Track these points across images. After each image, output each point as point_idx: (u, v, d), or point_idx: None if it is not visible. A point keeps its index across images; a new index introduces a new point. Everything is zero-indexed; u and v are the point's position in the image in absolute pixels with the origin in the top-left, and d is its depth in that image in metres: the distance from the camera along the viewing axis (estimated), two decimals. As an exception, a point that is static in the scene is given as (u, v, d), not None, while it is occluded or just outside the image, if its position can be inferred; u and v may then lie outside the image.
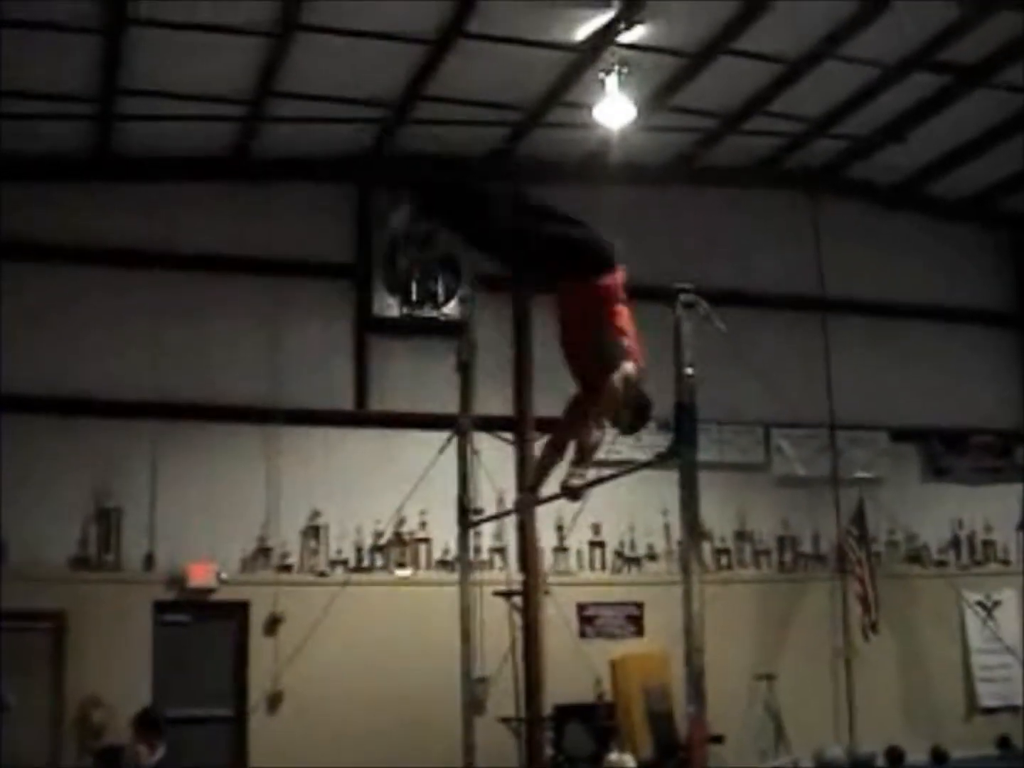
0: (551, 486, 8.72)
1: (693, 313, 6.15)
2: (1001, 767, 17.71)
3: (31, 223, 15.64)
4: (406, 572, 16.87)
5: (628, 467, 8.01)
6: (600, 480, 7.95)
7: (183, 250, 16.40)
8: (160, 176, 16.44)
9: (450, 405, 11.49)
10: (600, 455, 15.99)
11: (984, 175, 19.29)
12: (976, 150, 18.35)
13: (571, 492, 8.06)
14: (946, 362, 20.07)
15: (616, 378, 7.58)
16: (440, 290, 17.20)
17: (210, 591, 15.97)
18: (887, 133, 17.78)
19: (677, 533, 15.93)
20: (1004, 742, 19.00)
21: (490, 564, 16.97)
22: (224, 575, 15.97)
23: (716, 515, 17.81)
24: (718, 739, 15.07)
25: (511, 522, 16.92)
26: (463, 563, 10.42)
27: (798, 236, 18.97)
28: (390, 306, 17.05)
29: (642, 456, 9.38)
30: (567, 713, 16.67)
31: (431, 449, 11.31)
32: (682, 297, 6.13)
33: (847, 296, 19.36)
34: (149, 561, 15.87)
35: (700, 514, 6.30)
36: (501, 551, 17.17)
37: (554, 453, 8.59)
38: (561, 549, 17.43)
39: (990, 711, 19.58)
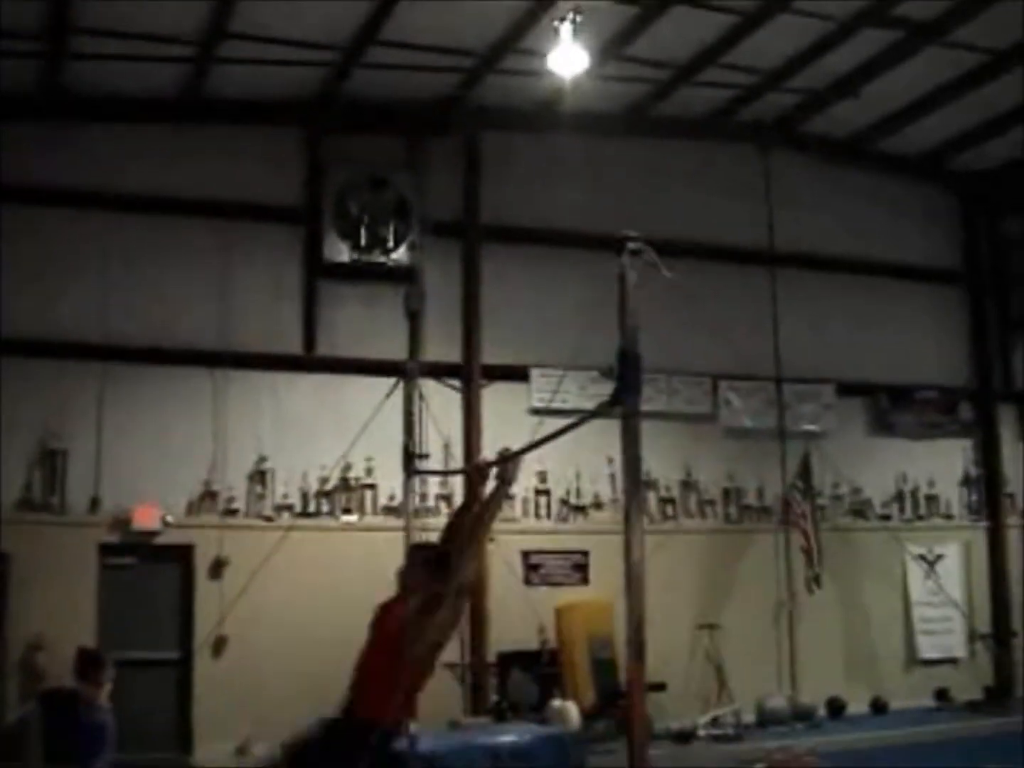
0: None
1: (639, 261, 6.12)
2: (938, 718, 17.93)
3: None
4: (352, 518, 16.89)
5: (573, 419, 7.97)
6: (545, 439, 7.87)
7: (132, 191, 16.26)
8: (110, 116, 16.28)
9: (399, 351, 11.49)
10: (547, 403, 16.00)
11: (935, 133, 19.38)
12: (928, 107, 18.41)
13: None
14: (893, 318, 20.24)
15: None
16: (390, 236, 17.15)
17: (155, 534, 15.94)
18: (840, 88, 17.82)
19: (623, 482, 16.01)
20: (942, 694, 19.27)
21: (436, 510, 16.99)
22: (169, 518, 15.94)
23: (662, 465, 17.96)
24: (660, 687, 15.21)
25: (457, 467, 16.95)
26: (407, 509, 10.40)
27: (749, 189, 19.01)
28: (340, 251, 16.99)
29: (589, 405, 9.34)
30: (511, 660, 16.77)
31: (378, 395, 11.29)
32: (628, 244, 6.10)
33: (796, 250, 19.45)
34: (94, 504, 15.80)
35: (644, 463, 6.31)
36: (447, 498, 17.18)
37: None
38: (507, 496, 17.43)
39: (929, 663, 19.82)
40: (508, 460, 8.34)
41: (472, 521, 8.20)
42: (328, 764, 7.67)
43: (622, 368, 5.97)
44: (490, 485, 8.60)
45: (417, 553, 8.58)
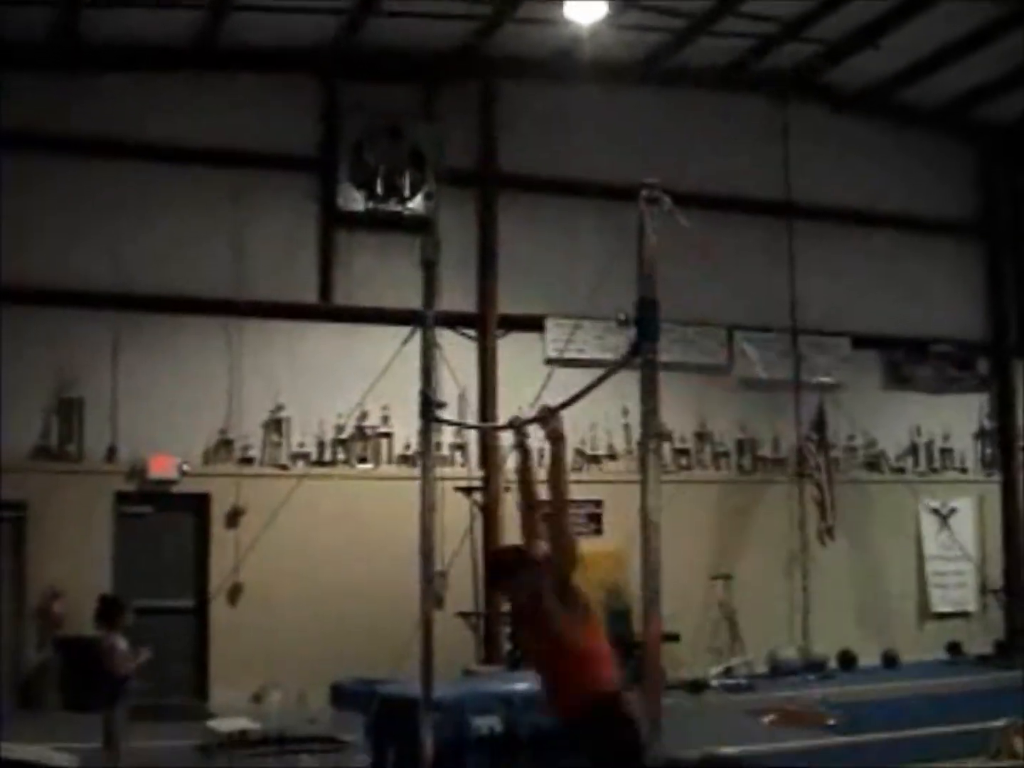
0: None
1: (656, 209, 6.10)
2: (949, 672, 17.96)
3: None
4: (367, 466, 16.92)
5: (590, 368, 7.98)
6: (571, 400, 7.80)
7: (146, 140, 16.20)
8: (125, 65, 16.20)
9: (414, 300, 11.40)
10: (561, 353, 15.96)
11: (955, 84, 19.23)
12: (948, 58, 18.27)
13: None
14: (910, 271, 20.14)
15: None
16: (406, 185, 17.10)
17: (172, 483, 15.99)
18: (859, 38, 17.68)
19: (638, 433, 16.01)
20: (954, 647, 19.31)
21: (451, 460, 17.04)
22: (186, 467, 15.98)
23: (677, 416, 17.92)
24: (673, 637, 15.23)
25: (471, 417, 16.93)
26: (425, 456, 10.37)
27: (767, 140, 18.89)
28: (355, 200, 16.95)
29: (606, 355, 9.28)
30: (525, 610, 16.78)
31: (395, 344, 11.26)
32: (645, 192, 6.07)
33: (813, 202, 19.34)
34: (111, 452, 15.86)
35: (660, 413, 6.29)
36: (462, 448, 17.23)
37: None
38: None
39: (942, 617, 19.86)
40: (551, 414, 7.90)
41: (553, 501, 7.51)
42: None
43: (640, 316, 5.95)
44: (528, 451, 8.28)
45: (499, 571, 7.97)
